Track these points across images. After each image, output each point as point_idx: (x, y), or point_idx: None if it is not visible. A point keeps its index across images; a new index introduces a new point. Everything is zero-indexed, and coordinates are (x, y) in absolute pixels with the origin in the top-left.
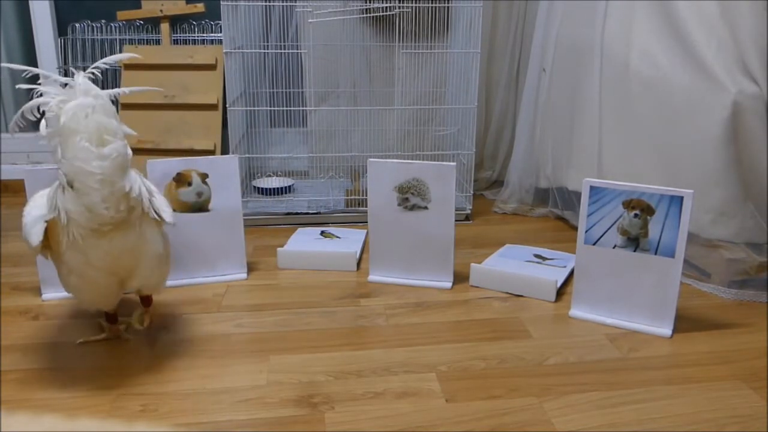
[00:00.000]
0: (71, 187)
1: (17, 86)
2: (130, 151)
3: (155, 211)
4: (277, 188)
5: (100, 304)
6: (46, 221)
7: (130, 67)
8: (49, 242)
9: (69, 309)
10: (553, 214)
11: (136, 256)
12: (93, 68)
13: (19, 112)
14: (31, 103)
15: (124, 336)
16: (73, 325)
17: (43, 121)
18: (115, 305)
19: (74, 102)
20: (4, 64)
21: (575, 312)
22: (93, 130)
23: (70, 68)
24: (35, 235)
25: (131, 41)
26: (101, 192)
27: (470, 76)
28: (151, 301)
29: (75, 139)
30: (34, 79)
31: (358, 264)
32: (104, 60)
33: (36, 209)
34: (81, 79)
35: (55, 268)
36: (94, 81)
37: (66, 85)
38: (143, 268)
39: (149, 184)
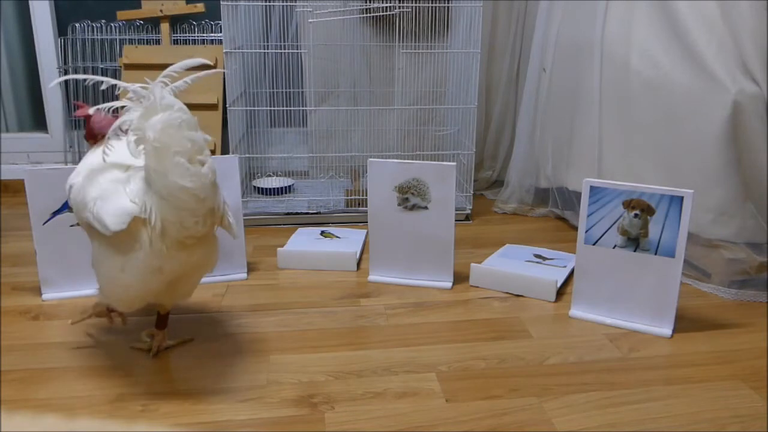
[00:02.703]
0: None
1: (50, 85)
2: (215, 167)
3: (228, 223)
4: (277, 188)
5: (127, 307)
6: (136, 216)
7: (130, 67)
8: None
9: (69, 309)
10: (553, 214)
11: (201, 269)
12: (163, 77)
13: (106, 138)
14: (115, 125)
15: (116, 321)
16: (74, 325)
17: (131, 144)
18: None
19: (161, 116)
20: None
21: (575, 312)
22: (186, 146)
23: (70, 68)
24: (119, 223)
25: (131, 41)
26: (195, 208)
27: (470, 76)
28: (166, 325)
29: (168, 154)
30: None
31: (358, 264)
32: (172, 68)
33: (112, 191)
34: (159, 91)
35: (101, 259)
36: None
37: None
38: (194, 279)
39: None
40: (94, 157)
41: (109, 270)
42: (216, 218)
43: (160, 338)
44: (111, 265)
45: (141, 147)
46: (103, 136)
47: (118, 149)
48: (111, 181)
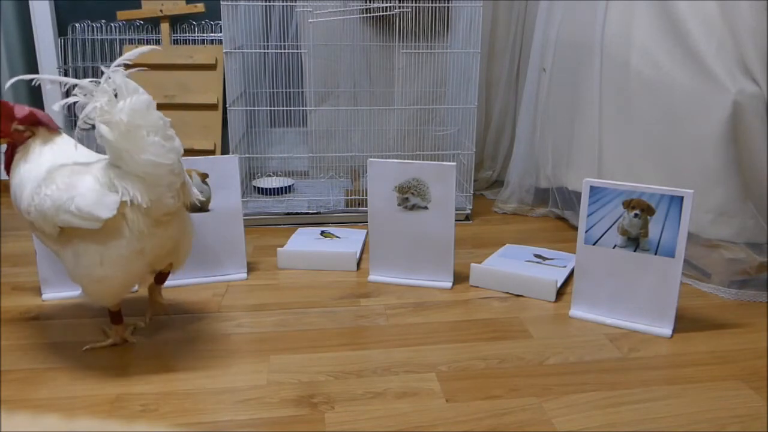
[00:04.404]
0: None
1: (53, 106)
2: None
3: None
4: (277, 188)
5: (112, 299)
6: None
7: (130, 66)
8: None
9: (69, 309)
10: (553, 214)
11: (178, 243)
12: (116, 66)
13: (77, 128)
14: (82, 114)
15: (130, 339)
16: (73, 325)
17: (102, 126)
18: (120, 301)
19: (131, 99)
20: (39, 76)
21: (575, 312)
22: (158, 125)
23: (70, 68)
24: (110, 210)
25: (131, 41)
26: (172, 182)
27: (470, 76)
28: (165, 279)
29: (141, 134)
30: (29, 82)
31: (358, 264)
32: (125, 57)
33: (85, 186)
34: (121, 77)
35: (73, 257)
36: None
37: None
38: (181, 253)
39: None
40: (30, 164)
41: (88, 269)
42: (184, 191)
43: (157, 296)
44: (89, 263)
45: (109, 133)
46: (32, 134)
47: (65, 150)
48: (77, 176)
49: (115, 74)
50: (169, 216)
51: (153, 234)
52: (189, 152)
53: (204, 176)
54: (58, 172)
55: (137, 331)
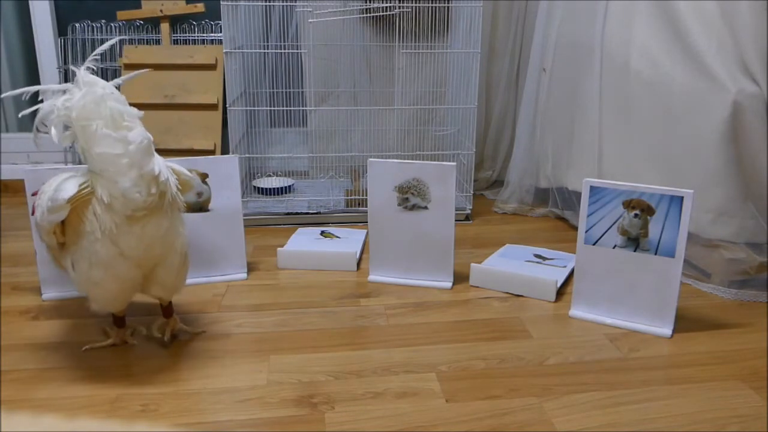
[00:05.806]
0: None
1: (20, 114)
2: (150, 135)
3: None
4: (277, 188)
5: (115, 303)
6: (81, 186)
7: (130, 66)
8: (63, 238)
9: (69, 309)
10: (553, 214)
11: (165, 247)
12: (89, 62)
13: (34, 128)
14: (39, 116)
15: (130, 341)
16: (73, 325)
17: (52, 129)
18: (126, 306)
19: (80, 94)
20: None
21: (575, 312)
22: (108, 116)
23: (70, 68)
24: (69, 188)
25: (131, 41)
26: (130, 176)
27: (470, 76)
28: (172, 311)
29: (92, 129)
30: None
31: (358, 264)
32: (98, 50)
33: (60, 179)
34: (82, 73)
35: (71, 265)
36: (95, 74)
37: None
38: (168, 263)
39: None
40: None
41: (82, 273)
42: (163, 188)
43: (173, 323)
44: (82, 269)
45: (56, 135)
46: None
47: None
48: (68, 178)
49: (78, 70)
50: (142, 212)
51: (127, 232)
52: (189, 152)
53: (204, 176)
54: (58, 176)
55: (137, 333)
